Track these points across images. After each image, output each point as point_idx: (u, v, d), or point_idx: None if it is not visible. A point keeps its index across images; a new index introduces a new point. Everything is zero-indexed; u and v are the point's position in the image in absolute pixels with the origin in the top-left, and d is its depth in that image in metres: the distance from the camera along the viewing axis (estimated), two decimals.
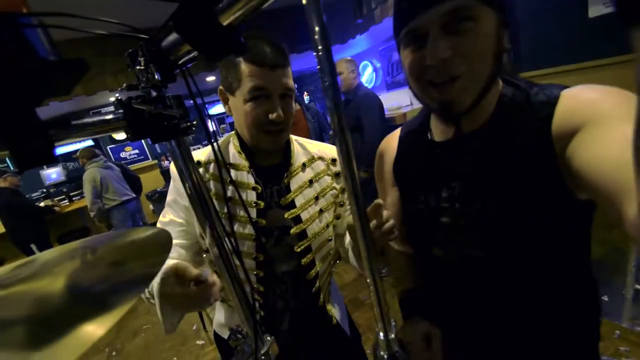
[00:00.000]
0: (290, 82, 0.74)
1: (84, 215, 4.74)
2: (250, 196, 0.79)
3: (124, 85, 0.53)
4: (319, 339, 0.89)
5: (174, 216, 0.81)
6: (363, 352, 1.06)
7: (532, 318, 0.62)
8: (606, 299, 1.80)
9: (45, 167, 5.28)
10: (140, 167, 5.48)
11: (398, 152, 0.77)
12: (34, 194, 5.02)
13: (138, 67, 0.48)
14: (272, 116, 0.72)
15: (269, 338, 0.74)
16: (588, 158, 0.43)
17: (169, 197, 0.83)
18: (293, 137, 0.89)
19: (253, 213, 0.79)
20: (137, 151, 5.84)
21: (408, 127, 0.78)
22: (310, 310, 0.89)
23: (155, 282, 0.66)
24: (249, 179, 0.80)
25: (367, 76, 6.37)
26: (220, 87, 0.77)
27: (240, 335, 0.73)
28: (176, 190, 0.81)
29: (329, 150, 0.90)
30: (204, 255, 0.85)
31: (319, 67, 0.34)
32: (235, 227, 0.78)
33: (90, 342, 0.28)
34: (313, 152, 0.88)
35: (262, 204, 0.79)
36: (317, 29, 0.32)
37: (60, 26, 0.46)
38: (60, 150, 5.53)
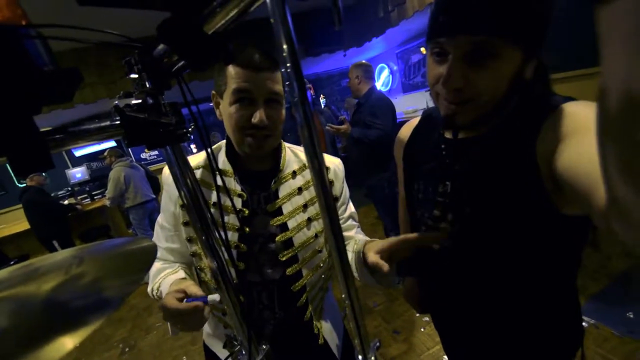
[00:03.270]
0: (278, 87, 0.72)
1: (105, 214, 4.92)
2: (236, 203, 0.78)
3: (121, 92, 0.54)
4: (302, 356, 0.84)
5: (165, 221, 0.82)
6: None
7: (497, 321, 0.68)
8: (631, 315, 1.70)
9: (70, 166, 5.52)
10: (159, 168, 5.64)
11: (410, 137, 0.81)
12: (59, 192, 5.24)
13: (132, 76, 0.49)
14: (254, 120, 0.70)
15: (264, 347, 0.73)
16: (566, 162, 0.44)
17: (162, 202, 0.84)
18: (286, 145, 0.88)
19: (237, 220, 0.77)
20: (156, 152, 6.01)
21: (426, 115, 0.81)
22: (296, 325, 0.84)
23: (164, 289, 0.71)
24: (236, 186, 0.79)
25: (384, 79, 6.32)
26: (213, 91, 0.77)
27: (235, 342, 0.72)
28: (167, 195, 0.82)
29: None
30: (193, 259, 0.84)
31: (288, 82, 0.33)
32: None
33: (58, 356, 0.28)
34: (305, 160, 0.85)
35: (246, 211, 0.78)
36: (285, 47, 0.31)
37: (57, 37, 0.47)
38: (85, 151, 5.76)
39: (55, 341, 0.29)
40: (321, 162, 0.35)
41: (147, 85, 0.48)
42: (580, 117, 0.48)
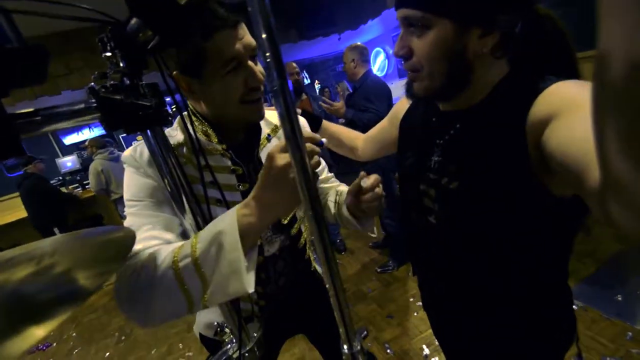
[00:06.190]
0: (252, 39, 0.64)
1: (98, 203, 4.86)
2: (230, 180, 0.73)
3: (95, 72, 0.51)
4: (319, 302, 0.89)
5: (147, 197, 0.65)
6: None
7: (481, 303, 0.67)
8: (619, 298, 1.73)
9: (61, 155, 5.42)
10: None
11: (409, 108, 0.82)
12: (51, 181, 5.17)
13: (105, 54, 0.45)
14: (254, 83, 0.64)
15: (255, 334, 0.72)
16: (559, 141, 0.44)
17: (133, 180, 0.65)
18: None
19: (239, 197, 0.73)
20: None
21: None
22: (306, 278, 0.90)
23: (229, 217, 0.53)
24: (224, 162, 0.73)
25: (380, 63, 6.23)
26: (175, 72, 0.63)
27: (227, 329, 0.71)
28: (143, 172, 0.66)
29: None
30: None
31: (268, 70, 0.31)
32: None
33: (26, 346, 0.27)
34: (275, 122, 0.84)
35: (246, 185, 0.74)
36: (264, 35, 0.29)
37: (22, 11, 0.43)
38: (76, 138, 5.65)
39: (23, 332, 0.28)
40: (304, 155, 0.33)
41: (122, 65, 0.45)
42: (571, 95, 0.46)
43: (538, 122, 0.49)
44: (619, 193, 0.24)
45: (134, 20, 0.41)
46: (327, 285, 0.39)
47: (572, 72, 0.57)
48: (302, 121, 0.91)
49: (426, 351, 1.77)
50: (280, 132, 0.83)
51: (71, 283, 0.31)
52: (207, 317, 0.85)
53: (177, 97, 0.58)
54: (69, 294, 0.30)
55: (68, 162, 5.24)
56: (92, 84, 0.49)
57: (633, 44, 0.18)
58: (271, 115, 0.85)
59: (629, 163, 0.21)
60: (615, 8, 0.18)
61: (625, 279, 1.85)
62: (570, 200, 0.53)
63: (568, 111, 0.44)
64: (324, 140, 0.55)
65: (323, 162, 0.92)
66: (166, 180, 0.57)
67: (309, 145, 0.49)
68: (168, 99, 0.58)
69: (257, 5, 0.29)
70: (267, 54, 0.30)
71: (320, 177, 0.94)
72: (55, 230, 3.71)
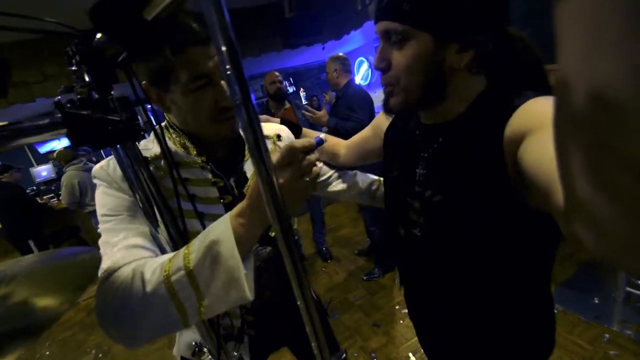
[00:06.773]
0: None
1: (75, 213, 4.68)
2: (211, 193, 0.71)
3: (62, 87, 0.49)
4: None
5: (124, 209, 0.62)
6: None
7: (465, 313, 0.67)
8: (597, 301, 1.78)
9: (35, 164, 5.21)
10: None
11: (393, 120, 0.83)
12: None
13: (70, 68, 0.44)
14: (225, 103, 0.64)
15: (235, 353, 0.70)
16: (531, 157, 0.44)
17: (109, 196, 0.63)
18: None
19: (222, 210, 0.71)
20: None
21: None
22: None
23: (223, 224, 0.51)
24: (204, 175, 0.71)
25: (363, 72, 6.31)
26: (144, 83, 0.63)
27: (206, 349, 0.69)
28: (117, 186, 0.64)
29: (271, 126, 0.87)
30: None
31: (229, 83, 0.30)
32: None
33: None
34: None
35: (229, 198, 0.72)
36: (224, 48, 0.28)
37: None
38: (51, 146, 5.45)
39: None
40: (269, 170, 0.32)
41: (87, 79, 0.43)
42: (545, 112, 0.47)
43: (514, 137, 0.49)
44: (581, 213, 0.24)
45: (100, 35, 0.39)
46: (298, 302, 0.38)
47: (545, 88, 0.58)
48: (287, 131, 0.91)
49: (412, 359, 1.76)
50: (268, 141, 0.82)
51: (28, 315, 0.29)
52: (188, 337, 0.80)
53: (154, 108, 0.57)
54: (25, 327, 0.28)
55: (43, 171, 5.05)
56: (59, 97, 0.47)
57: (592, 74, 0.17)
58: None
59: (590, 186, 0.21)
60: (573, 34, 0.18)
61: (601, 281, 1.91)
62: (548, 214, 0.53)
63: (541, 128, 0.45)
64: (321, 136, 0.54)
65: (320, 163, 0.93)
66: (137, 196, 0.55)
67: (307, 158, 0.48)
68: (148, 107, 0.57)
69: (215, 18, 0.28)
70: (228, 67, 0.30)
71: (325, 176, 0.99)
72: (30, 243, 3.53)
